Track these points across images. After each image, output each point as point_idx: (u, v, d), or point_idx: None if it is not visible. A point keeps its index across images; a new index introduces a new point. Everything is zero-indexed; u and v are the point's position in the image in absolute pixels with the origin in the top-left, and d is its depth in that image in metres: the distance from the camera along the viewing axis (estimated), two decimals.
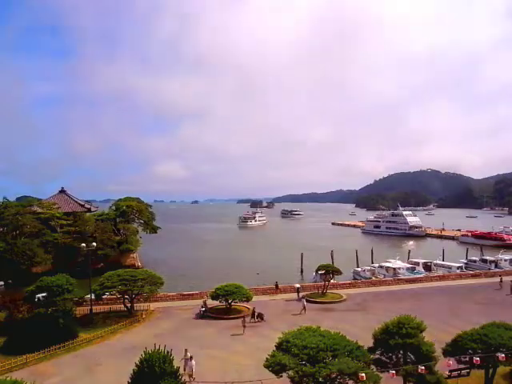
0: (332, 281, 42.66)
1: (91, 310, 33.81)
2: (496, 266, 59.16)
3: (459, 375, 18.30)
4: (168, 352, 15.59)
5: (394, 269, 53.00)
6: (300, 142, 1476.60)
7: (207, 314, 34.03)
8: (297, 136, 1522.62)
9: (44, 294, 30.57)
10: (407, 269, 53.62)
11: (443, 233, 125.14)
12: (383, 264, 56.41)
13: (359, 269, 56.86)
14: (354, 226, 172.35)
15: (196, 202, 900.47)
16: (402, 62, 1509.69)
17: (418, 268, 54.89)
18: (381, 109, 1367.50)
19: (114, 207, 77.44)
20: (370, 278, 50.72)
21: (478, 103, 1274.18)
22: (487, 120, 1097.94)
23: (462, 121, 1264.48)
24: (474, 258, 64.43)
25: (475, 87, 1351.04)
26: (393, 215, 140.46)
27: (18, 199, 70.19)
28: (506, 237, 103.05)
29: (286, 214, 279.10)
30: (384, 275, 53.08)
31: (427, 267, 56.39)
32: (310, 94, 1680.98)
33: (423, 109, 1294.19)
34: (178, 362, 15.70)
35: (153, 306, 36.60)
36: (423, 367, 15.67)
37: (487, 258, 63.18)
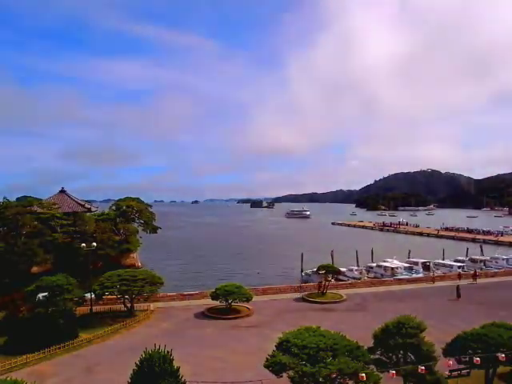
0: (332, 281, 42.65)
1: (91, 309, 33.88)
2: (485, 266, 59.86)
3: (459, 375, 18.27)
4: (168, 352, 15.61)
5: (392, 268, 53.06)
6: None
7: (207, 314, 34.08)
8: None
9: (45, 294, 30.59)
10: (405, 268, 53.70)
11: (441, 233, 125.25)
12: (381, 263, 56.43)
13: (344, 269, 52.63)
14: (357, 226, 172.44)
15: (196, 201, 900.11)
16: None
17: (416, 267, 54.95)
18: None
19: (114, 207, 77.57)
20: (360, 279, 49.47)
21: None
22: (487, 120, 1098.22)
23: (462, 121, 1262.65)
24: (461, 258, 64.39)
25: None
26: None
27: (17, 199, 70.25)
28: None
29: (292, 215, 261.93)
30: (382, 274, 53.19)
31: (426, 267, 56.46)
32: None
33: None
34: (177, 362, 15.70)
35: (153, 306, 36.61)
36: (423, 367, 15.67)
37: (476, 257, 63.91)
